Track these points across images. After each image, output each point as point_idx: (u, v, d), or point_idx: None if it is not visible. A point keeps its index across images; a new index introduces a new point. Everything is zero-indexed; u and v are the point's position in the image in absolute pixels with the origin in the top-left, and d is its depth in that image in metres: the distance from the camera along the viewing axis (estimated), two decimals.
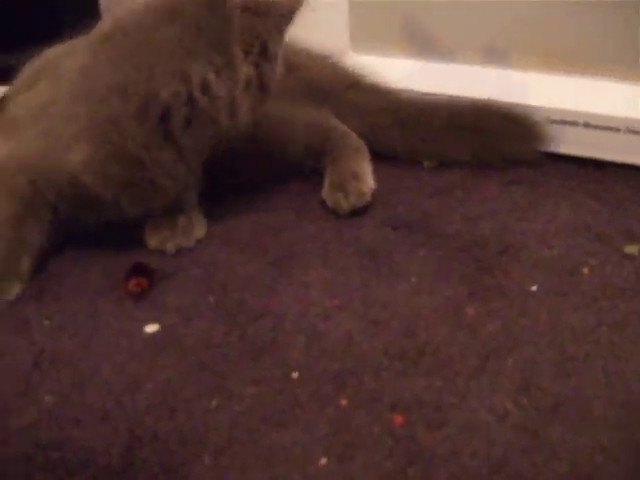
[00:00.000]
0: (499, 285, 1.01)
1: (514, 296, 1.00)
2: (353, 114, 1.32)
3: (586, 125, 1.30)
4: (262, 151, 1.20)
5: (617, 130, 1.29)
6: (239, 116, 0.99)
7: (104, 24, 1.06)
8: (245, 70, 1.00)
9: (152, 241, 1.13)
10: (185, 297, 1.00)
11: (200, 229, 1.15)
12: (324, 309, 0.97)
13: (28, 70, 1.20)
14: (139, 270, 1.06)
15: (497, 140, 1.29)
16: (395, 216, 1.16)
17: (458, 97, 1.31)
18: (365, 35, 1.43)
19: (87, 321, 0.99)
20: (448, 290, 1.01)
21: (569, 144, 1.30)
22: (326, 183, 1.21)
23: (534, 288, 1.01)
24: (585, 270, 1.05)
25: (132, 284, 1.04)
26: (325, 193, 1.20)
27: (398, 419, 0.81)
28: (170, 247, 1.12)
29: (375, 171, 1.26)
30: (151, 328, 0.95)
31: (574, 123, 1.31)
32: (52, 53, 1.19)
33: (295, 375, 0.88)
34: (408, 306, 0.98)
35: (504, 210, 1.18)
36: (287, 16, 1.00)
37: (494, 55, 1.36)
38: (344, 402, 0.84)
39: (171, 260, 1.10)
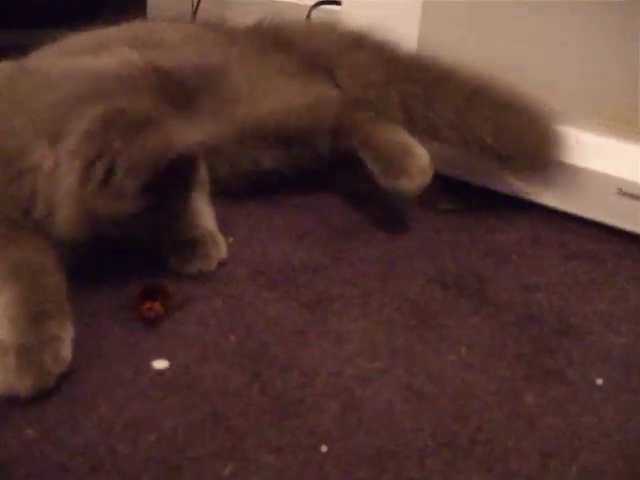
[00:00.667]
0: (560, 371, 0.89)
1: (577, 387, 0.88)
2: (354, 75, 1.17)
3: None
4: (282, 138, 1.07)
5: None
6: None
7: None
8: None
9: (170, 262, 0.98)
10: (203, 332, 0.87)
11: (218, 250, 1.02)
12: (362, 371, 0.84)
13: None
14: (154, 292, 0.92)
15: (519, 123, 1.14)
16: (445, 273, 1.03)
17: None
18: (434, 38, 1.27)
19: (87, 344, 0.86)
20: (503, 370, 0.89)
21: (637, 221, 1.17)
22: (374, 167, 1.07)
23: (600, 382, 0.87)
24: None
25: (145, 308, 0.90)
26: (381, 179, 1.05)
27: None
28: (189, 269, 0.97)
29: (421, 219, 1.18)
30: (160, 364, 0.80)
31: None
32: None
33: (324, 449, 0.74)
34: (458, 382, 0.86)
35: (563, 285, 1.06)
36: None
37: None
38: None
39: (191, 286, 0.95)
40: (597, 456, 0.78)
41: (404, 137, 1.11)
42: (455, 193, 1.26)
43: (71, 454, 0.70)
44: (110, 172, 0.79)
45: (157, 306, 0.90)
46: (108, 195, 0.80)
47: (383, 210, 1.20)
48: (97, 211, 0.79)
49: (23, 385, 0.76)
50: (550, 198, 1.24)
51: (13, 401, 0.76)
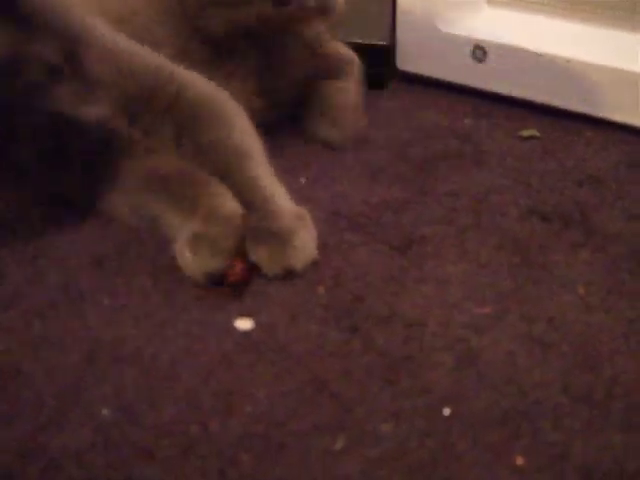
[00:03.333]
0: None
1: None
2: None
3: None
4: None
5: None
6: None
7: None
8: None
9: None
10: (286, 287, 0.75)
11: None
12: (473, 318, 0.75)
13: None
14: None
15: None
16: (543, 204, 0.93)
17: None
18: None
19: (161, 304, 0.76)
20: (627, 309, 0.78)
21: None
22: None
23: None
24: None
25: (233, 273, 0.78)
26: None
27: None
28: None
29: (504, 148, 1.09)
30: (244, 324, 0.68)
31: None
32: None
33: (447, 411, 0.60)
34: (581, 326, 0.76)
35: None
36: None
37: None
38: (520, 461, 0.55)
39: None
40: None
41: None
42: (536, 118, 1.14)
43: (157, 435, 0.59)
44: None
45: (245, 271, 0.80)
46: None
47: (460, 139, 1.09)
48: None
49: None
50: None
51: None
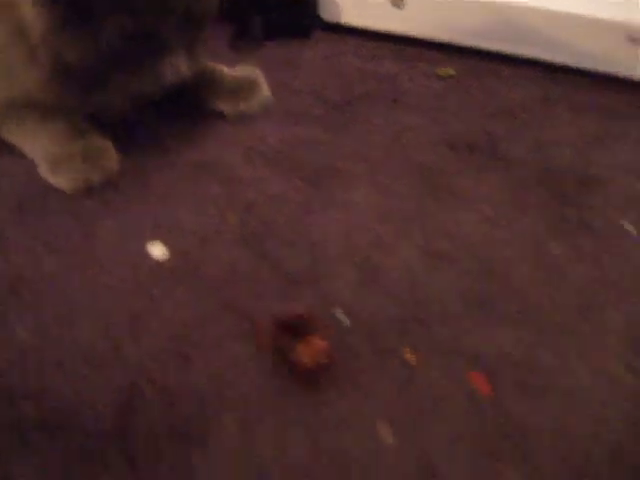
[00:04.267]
0: (584, 220, 0.84)
1: (604, 235, 0.82)
2: None
3: None
4: None
5: None
6: None
7: None
8: None
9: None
10: (200, 214, 0.78)
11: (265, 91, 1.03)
12: (375, 236, 0.79)
13: None
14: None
15: None
16: (453, 135, 0.96)
17: None
18: None
19: (81, 241, 0.80)
20: (524, 223, 0.83)
21: None
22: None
23: (629, 226, 0.83)
24: None
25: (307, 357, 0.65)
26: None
27: (478, 379, 0.58)
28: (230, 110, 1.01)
29: (421, 87, 1.13)
30: (157, 250, 0.73)
31: None
32: None
33: (347, 321, 0.63)
34: (479, 238, 0.80)
35: (578, 138, 0.99)
36: None
37: None
38: (410, 356, 0.63)
39: (180, 173, 0.90)
40: (633, 299, 0.70)
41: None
42: (454, 59, 1.18)
43: (71, 353, 0.63)
44: None
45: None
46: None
47: (379, 81, 1.12)
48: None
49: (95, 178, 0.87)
50: (557, 54, 1.16)
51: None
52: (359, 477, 0.55)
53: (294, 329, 0.66)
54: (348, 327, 0.66)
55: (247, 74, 1.01)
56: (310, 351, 0.65)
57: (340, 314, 0.67)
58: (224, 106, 0.98)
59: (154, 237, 0.77)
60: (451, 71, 1.14)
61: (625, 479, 0.56)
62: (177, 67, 0.90)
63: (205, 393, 0.61)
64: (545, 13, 1.14)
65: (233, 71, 1.01)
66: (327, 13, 1.26)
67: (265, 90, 1.00)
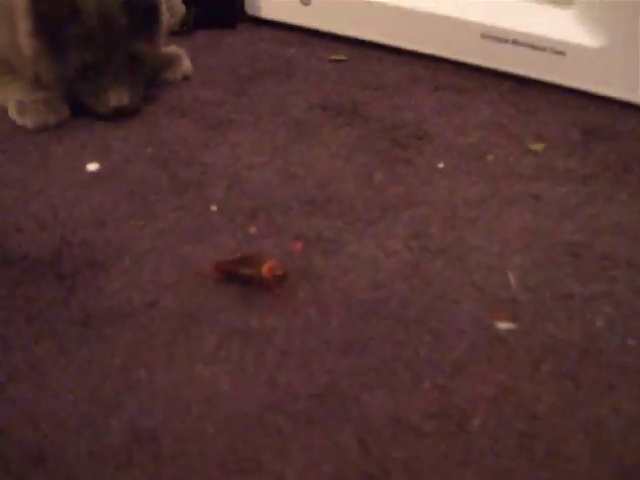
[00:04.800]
0: (409, 159, 1.12)
1: (421, 169, 1.11)
2: None
3: (515, 43, 1.39)
4: None
5: (542, 49, 1.38)
6: None
7: None
8: None
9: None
10: (126, 145, 1.11)
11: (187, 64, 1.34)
12: (248, 163, 1.08)
13: None
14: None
15: None
16: (326, 101, 1.27)
17: None
18: None
19: (39, 160, 1.12)
20: (362, 158, 1.11)
21: (498, 60, 1.41)
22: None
23: (441, 165, 1.10)
24: (490, 157, 1.15)
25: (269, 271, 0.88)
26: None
27: (298, 245, 0.91)
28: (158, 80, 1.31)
29: (314, 68, 1.44)
30: (93, 166, 1.06)
31: (504, 40, 1.39)
32: None
33: (214, 208, 0.99)
34: (324, 167, 1.09)
35: (428, 107, 1.29)
36: None
37: None
38: (253, 230, 0.94)
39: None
40: (427, 207, 1.03)
41: None
42: (348, 48, 1.50)
43: (26, 220, 0.99)
44: None
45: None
46: None
47: (281, 62, 1.44)
48: None
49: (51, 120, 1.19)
50: (425, 46, 1.47)
51: None
52: None
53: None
54: (215, 212, 0.99)
55: (173, 51, 1.35)
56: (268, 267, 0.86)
57: (214, 208, 1.01)
58: (153, 76, 1.32)
59: (92, 158, 1.11)
60: (343, 56, 1.46)
61: (391, 317, 0.87)
62: (120, 96, 1.21)
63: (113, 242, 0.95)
64: (417, 13, 1.45)
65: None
66: (250, 8, 1.60)
67: (187, 64, 1.33)
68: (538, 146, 1.18)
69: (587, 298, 0.88)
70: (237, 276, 0.86)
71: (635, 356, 0.80)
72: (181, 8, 1.46)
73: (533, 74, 1.38)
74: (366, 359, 0.77)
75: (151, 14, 1.22)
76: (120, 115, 1.19)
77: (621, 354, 0.81)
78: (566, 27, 1.35)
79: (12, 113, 1.21)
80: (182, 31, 1.50)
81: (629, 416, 0.73)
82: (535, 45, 1.38)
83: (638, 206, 1.06)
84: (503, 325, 0.83)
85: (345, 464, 0.67)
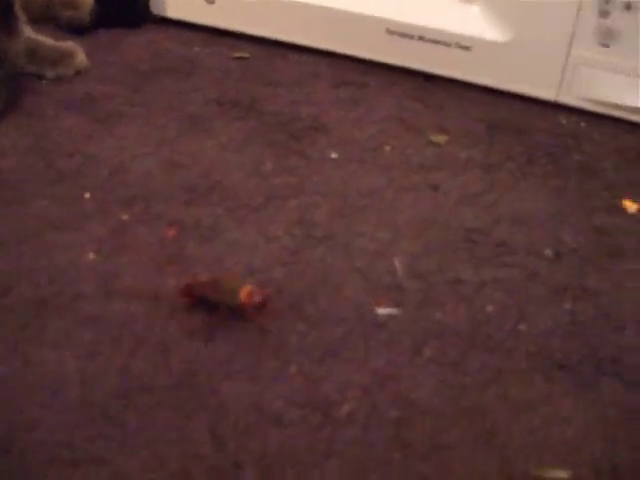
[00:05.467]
0: (303, 151, 1.08)
1: (313, 160, 1.07)
2: None
3: (421, 38, 1.36)
4: None
5: (448, 45, 1.35)
6: None
7: None
8: None
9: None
10: (2, 138, 1.05)
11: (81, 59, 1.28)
12: (134, 154, 1.04)
13: None
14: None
15: None
16: (224, 96, 1.23)
17: None
18: None
19: None
20: (253, 150, 1.07)
21: (404, 56, 1.38)
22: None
23: (335, 156, 1.06)
24: (388, 148, 1.12)
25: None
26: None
27: (170, 232, 0.86)
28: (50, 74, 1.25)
29: (214, 65, 1.38)
30: None
31: (410, 36, 1.36)
32: None
33: (87, 195, 0.94)
34: (211, 157, 1.05)
35: (327, 102, 1.25)
36: None
37: None
38: (125, 217, 0.89)
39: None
40: (316, 196, 0.99)
41: None
42: (252, 46, 1.45)
43: None
44: None
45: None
46: None
47: (183, 60, 1.40)
48: None
49: None
50: (328, 42, 1.42)
51: None
52: None
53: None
54: (88, 199, 0.94)
55: (67, 46, 1.30)
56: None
57: (87, 195, 0.95)
58: (45, 70, 1.26)
59: None
60: (246, 54, 1.42)
61: None
62: None
63: None
64: (321, 10, 1.41)
65: (54, 42, 1.29)
66: (156, 7, 1.55)
67: (81, 58, 1.28)
68: (440, 138, 1.14)
69: (478, 284, 0.83)
70: (208, 302, 0.78)
71: (525, 341, 0.76)
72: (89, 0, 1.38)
73: (439, 70, 1.35)
74: (229, 347, 0.72)
75: (6, 9, 1.16)
76: None
77: (511, 339, 0.76)
78: (472, 22, 1.33)
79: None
80: (88, 26, 1.43)
81: (515, 403, 0.69)
82: (441, 41, 1.35)
83: (539, 196, 1.04)
84: (384, 311, 0.78)
85: (194, 459, 0.61)
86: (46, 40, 1.28)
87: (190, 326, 0.76)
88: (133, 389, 0.69)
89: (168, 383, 0.70)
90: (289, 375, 0.72)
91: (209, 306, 0.78)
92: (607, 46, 1.22)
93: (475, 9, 1.34)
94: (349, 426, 0.67)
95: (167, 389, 0.69)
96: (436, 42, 1.36)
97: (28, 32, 1.24)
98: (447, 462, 0.65)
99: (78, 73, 1.28)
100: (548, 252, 0.92)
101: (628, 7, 1.20)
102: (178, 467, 0.63)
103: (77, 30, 1.39)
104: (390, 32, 1.38)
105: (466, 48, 1.34)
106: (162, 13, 1.52)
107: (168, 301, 0.79)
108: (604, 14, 1.23)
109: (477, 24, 1.34)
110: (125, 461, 0.63)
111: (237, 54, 1.40)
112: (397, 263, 0.86)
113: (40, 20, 1.37)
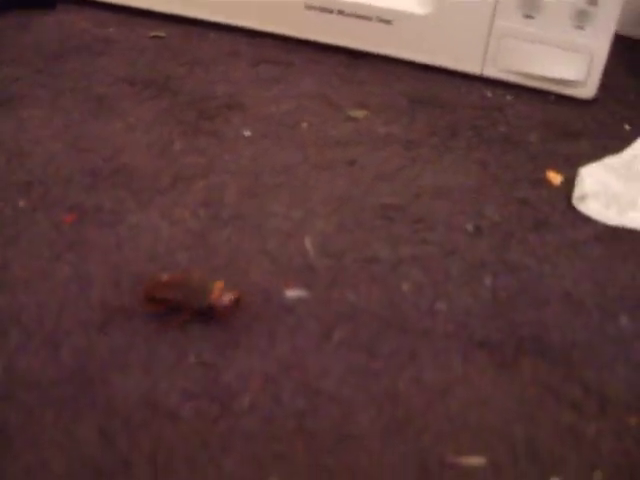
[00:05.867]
0: (215, 129, 1.04)
1: (225, 138, 1.03)
2: None
3: (340, 13, 1.33)
4: None
5: (369, 19, 1.32)
6: None
7: None
8: None
9: None
10: None
11: None
12: (36, 137, 0.99)
13: None
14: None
15: None
16: (136, 75, 1.17)
17: None
18: None
19: None
20: (163, 130, 1.02)
21: (325, 32, 1.35)
22: None
23: (248, 133, 1.01)
24: (304, 125, 1.09)
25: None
26: None
27: (69, 218, 0.81)
28: None
29: (128, 44, 1.33)
30: None
31: (329, 10, 1.33)
32: None
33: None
34: (118, 139, 1.00)
35: (245, 80, 1.21)
36: None
37: None
38: (22, 203, 0.84)
39: None
40: (225, 176, 0.95)
41: None
42: (169, 25, 1.41)
43: None
44: None
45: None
46: None
47: (97, 40, 1.35)
48: None
49: None
50: (248, 20, 1.39)
51: None
52: None
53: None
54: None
55: None
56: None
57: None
58: None
59: None
60: (161, 33, 1.37)
61: None
62: None
63: None
64: None
65: None
66: None
67: None
68: (359, 113, 1.10)
69: (394, 262, 0.79)
70: (171, 305, 0.71)
71: (442, 320, 0.72)
72: None
73: (362, 46, 1.32)
74: (125, 337, 0.67)
75: None
76: None
77: (427, 319, 0.72)
78: None
79: None
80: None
81: (431, 387, 0.65)
82: (361, 15, 1.32)
83: (461, 170, 1.02)
84: (293, 293, 0.74)
85: (80, 460, 0.56)
86: None
87: (84, 316, 0.70)
88: (15, 388, 0.64)
89: (56, 378, 0.64)
90: (186, 366, 0.67)
91: (172, 309, 0.71)
92: (532, 17, 1.18)
93: None
94: (249, 418, 0.63)
95: (54, 385, 0.64)
96: (356, 16, 1.32)
97: None
98: (354, 453, 0.61)
99: None
100: (469, 227, 0.88)
101: None
102: (63, 471, 0.58)
103: None
104: (308, 7, 1.34)
105: (387, 22, 1.31)
106: None
107: (62, 290, 0.73)
108: None
109: None
110: (6, 466, 0.57)
111: (153, 33, 1.32)
112: (308, 243, 0.82)
113: None
